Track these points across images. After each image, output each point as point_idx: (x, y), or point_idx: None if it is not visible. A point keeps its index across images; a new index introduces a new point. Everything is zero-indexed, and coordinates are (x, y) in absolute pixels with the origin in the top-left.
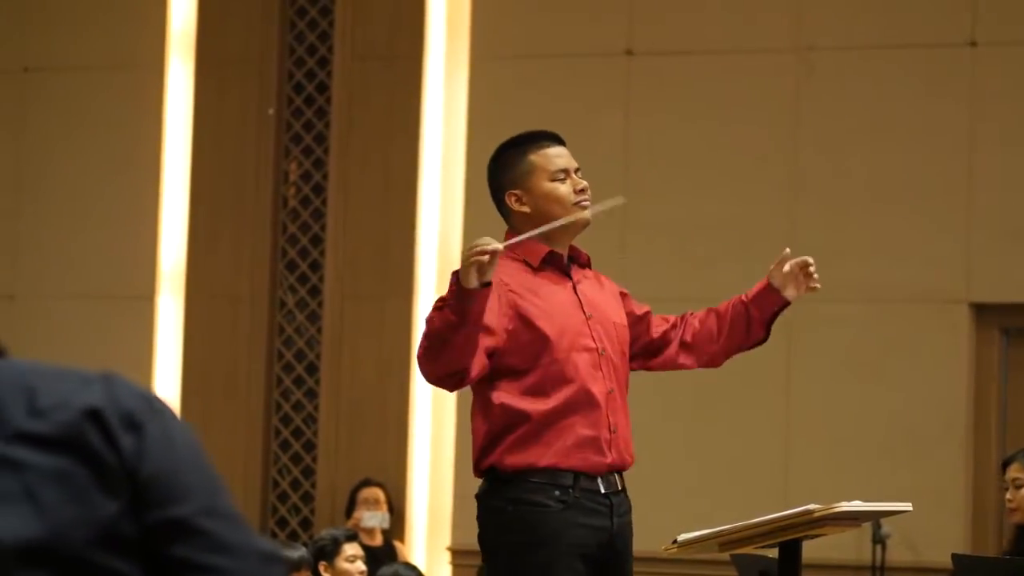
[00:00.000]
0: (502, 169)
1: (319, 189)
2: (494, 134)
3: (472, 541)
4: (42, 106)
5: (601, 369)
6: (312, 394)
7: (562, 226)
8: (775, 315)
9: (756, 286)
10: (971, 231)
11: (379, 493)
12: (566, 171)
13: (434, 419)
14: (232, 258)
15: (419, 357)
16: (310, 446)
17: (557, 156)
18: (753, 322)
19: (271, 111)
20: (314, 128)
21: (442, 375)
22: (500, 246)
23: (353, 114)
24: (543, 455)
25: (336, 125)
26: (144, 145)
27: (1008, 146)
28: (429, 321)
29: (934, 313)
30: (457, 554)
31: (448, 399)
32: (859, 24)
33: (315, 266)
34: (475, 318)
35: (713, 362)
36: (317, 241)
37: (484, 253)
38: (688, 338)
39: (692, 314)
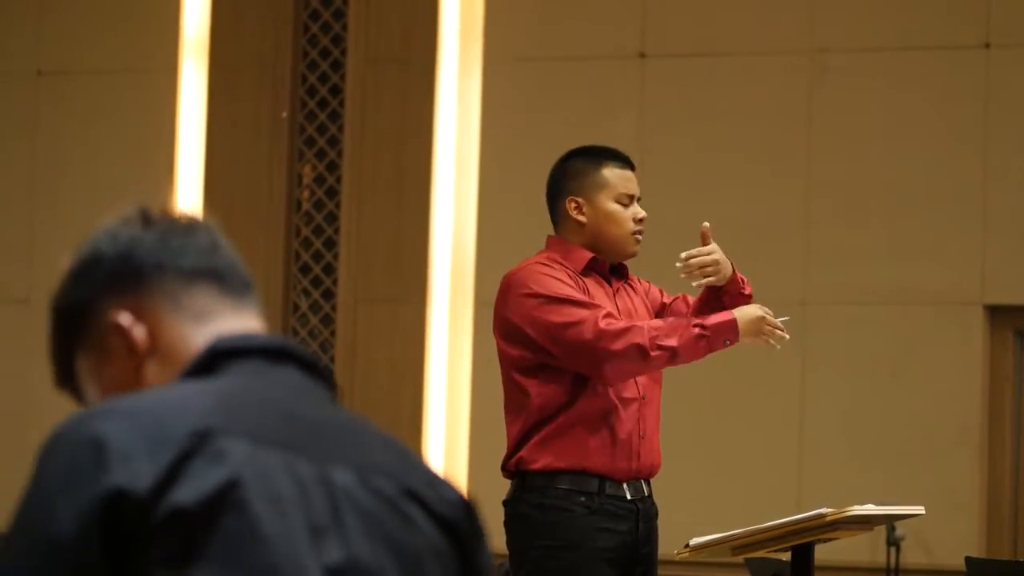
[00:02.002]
0: (570, 174)
1: (332, 192)
2: (507, 137)
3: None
4: (56, 110)
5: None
6: None
7: (612, 249)
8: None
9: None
10: (986, 233)
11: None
12: (632, 197)
13: (447, 423)
14: (245, 261)
15: (652, 357)
16: None
17: (628, 180)
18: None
19: (284, 114)
20: (327, 131)
21: (642, 371)
22: (787, 336)
23: (366, 117)
24: (569, 454)
25: (349, 128)
26: (158, 148)
27: (1023, 148)
28: (689, 341)
29: (948, 315)
30: None
31: (462, 402)
32: (872, 26)
33: (329, 269)
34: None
35: None
36: (331, 244)
37: (782, 335)
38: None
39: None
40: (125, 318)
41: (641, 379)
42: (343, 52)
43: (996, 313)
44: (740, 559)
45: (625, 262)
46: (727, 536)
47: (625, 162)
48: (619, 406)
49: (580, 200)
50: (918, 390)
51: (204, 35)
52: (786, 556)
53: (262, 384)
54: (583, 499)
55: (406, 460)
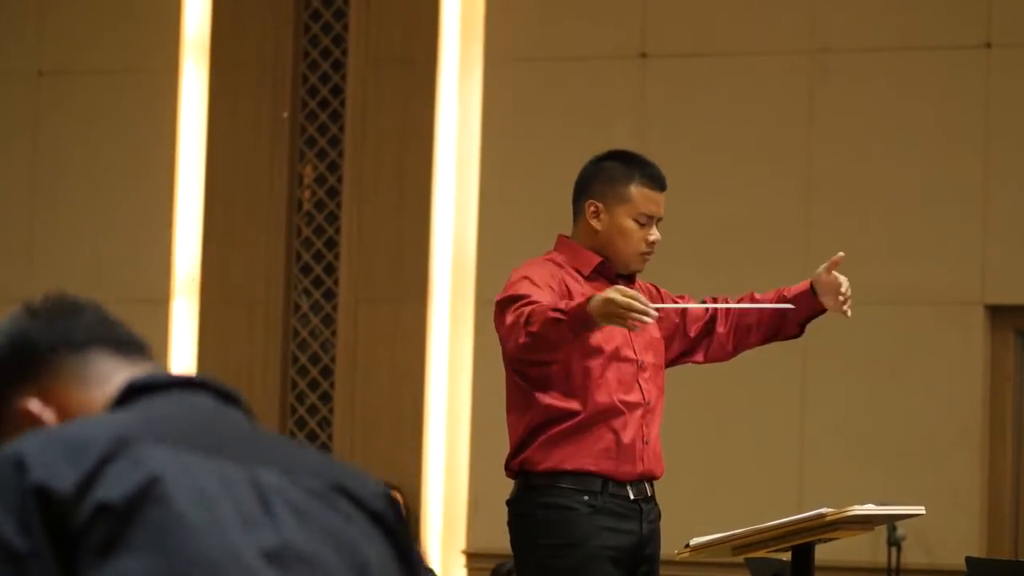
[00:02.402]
0: (601, 178)
1: (333, 192)
2: (508, 137)
3: (486, 544)
4: (57, 110)
5: (639, 380)
6: (327, 397)
7: (616, 261)
8: (810, 317)
9: (799, 286)
10: (986, 233)
11: (394, 496)
12: (651, 218)
13: (449, 422)
14: (247, 262)
15: (519, 343)
16: (324, 449)
17: (652, 201)
18: (788, 320)
19: (285, 115)
20: (328, 131)
21: (533, 360)
22: (652, 317)
23: (367, 117)
24: (573, 456)
25: (350, 128)
26: (159, 149)
27: None
28: (542, 325)
29: (949, 315)
30: (472, 557)
31: (464, 402)
32: (873, 26)
33: (330, 269)
34: (582, 337)
35: (732, 355)
36: (331, 244)
37: (639, 318)
38: (722, 330)
39: (723, 300)
40: (35, 405)
41: (647, 386)
42: (344, 52)
43: (997, 313)
44: (740, 559)
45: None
46: (727, 536)
47: (656, 182)
48: (624, 411)
49: (600, 206)
50: (919, 390)
51: (205, 35)
52: (786, 556)
53: (179, 407)
54: (586, 498)
55: (329, 462)
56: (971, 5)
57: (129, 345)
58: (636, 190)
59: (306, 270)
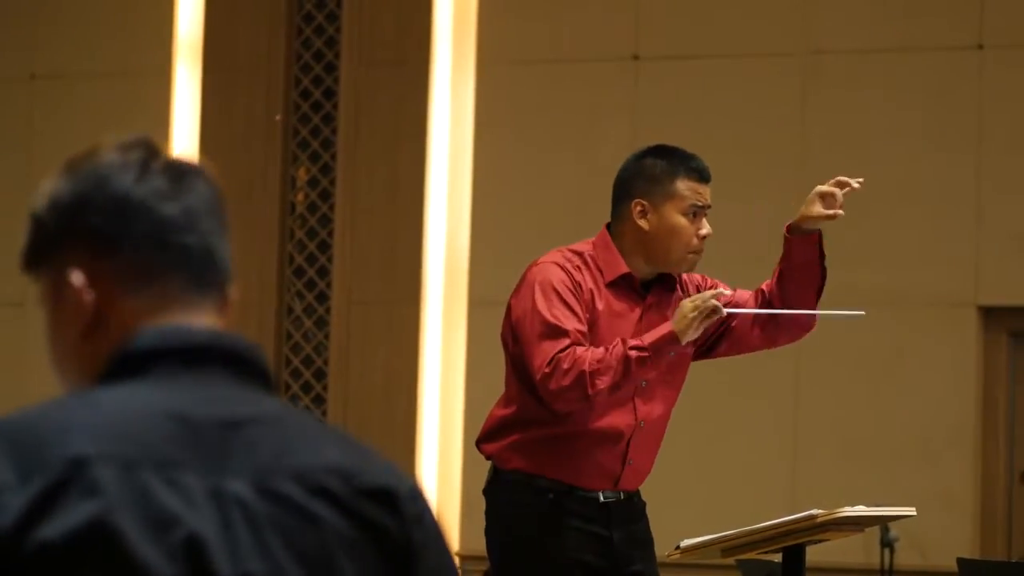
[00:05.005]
0: (644, 175)
1: (326, 195)
2: (501, 139)
3: (480, 546)
4: (50, 113)
5: (634, 401)
6: (320, 400)
7: (664, 262)
8: (820, 252)
9: (784, 250)
10: (979, 234)
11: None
12: (701, 208)
13: (442, 425)
14: (239, 264)
15: (593, 391)
16: None
17: (699, 193)
18: (809, 266)
19: (278, 117)
20: (321, 134)
21: (591, 403)
22: (724, 312)
23: (360, 119)
24: (545, 465)
25: (343, 130)
26: None
27: (1016, 149)
28: (628, 367)
29: (942, 317)
30: (465, 559)
31: (457, 404)
32: (866, 28)
33: (322, 272)
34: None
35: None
36: (324, 247)
37: (714, 311)
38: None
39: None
40: (78, 278)
41: (644, 406)
42: (337, 55)
43: (990, 315)
44: (732, 561)
45: (680, 276)
46: (718, 538)
47: (701, 173)
48: (610, 434)
49: (647, 204)
50: (912, 392)
51: (198, 38)
52: (778, 558)
53: (167, 393)
54: (551, 496)
55: (320, 452)
56: (963, 7)
57: (205, 265)
58: (683, 184)
59: (299, 273)
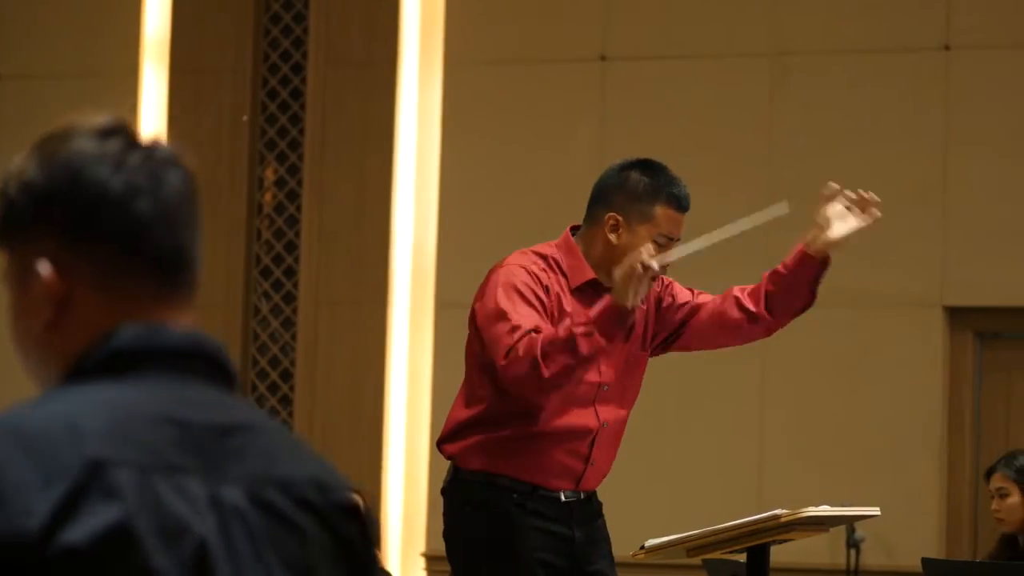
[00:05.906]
0: (625, 190)
1: (293, 195)
2: (469, 139)
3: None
4: (15, 114)
5: (596, 404)
6: (286, 401)
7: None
8: (818, 278)
9: (792, 253)
10: (946, 235)
11: (359, 503)
12: (670, 240)
13: (408, 425)
14: (206, 264)
15: (548, 373)
16: None
17: (675, 223)
18: (798, 286)
19: (245, 117)
20: (288, 134)
21: (551, 388)
22: (656, 267)
23: (327, 120)
24: (508, 466)
25: (310, 131)
26: None
27: (982, 150)
28: (574, 344)
29: (908, 317)
30: (432, 560)
31: (423, 405)
32: (833, 28)
33: (289, 272)
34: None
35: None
36: (291, 247)
37: (646, 269)
38: (753, 308)
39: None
40: (45, 269)
41: (604, 408)
42: (304, 55)
43: (956, 315)
44: (698, 561)
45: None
46: (682, 538)
47: (682, 203)
48: (572, 434)
49: (621, 220)
50: (878, 392)
51: (165, 38)
52: (744, 557)
53: (158, 395)
54: (515, 496)
55: (300, 463)
56: (930, 8)
57: (177, 264)
58: (661, 211)
59: (266, 273)
